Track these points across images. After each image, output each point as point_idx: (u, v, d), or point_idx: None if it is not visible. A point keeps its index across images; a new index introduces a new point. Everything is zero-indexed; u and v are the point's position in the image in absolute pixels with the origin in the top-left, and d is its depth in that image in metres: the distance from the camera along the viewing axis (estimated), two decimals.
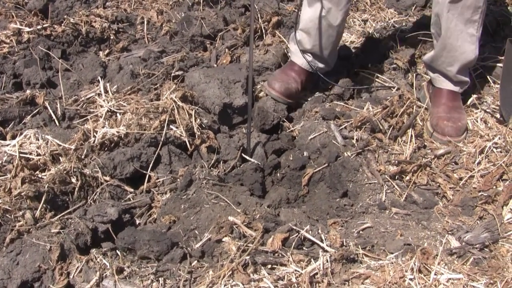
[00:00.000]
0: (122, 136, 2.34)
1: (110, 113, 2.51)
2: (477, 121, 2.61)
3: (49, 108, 2.56)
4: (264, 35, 3.22)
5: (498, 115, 2.60)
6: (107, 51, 3.25)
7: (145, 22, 3.49)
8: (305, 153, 2.41)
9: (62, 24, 3.32)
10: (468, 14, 2.38)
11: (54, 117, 2.54)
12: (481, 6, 2.38)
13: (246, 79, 2.60)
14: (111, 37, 3.33)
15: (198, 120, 2.39)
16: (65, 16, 3.39)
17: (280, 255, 1.84)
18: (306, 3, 2.68)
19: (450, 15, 2.39)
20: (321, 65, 2.81)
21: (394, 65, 2.93)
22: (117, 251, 1.89)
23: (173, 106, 2.38)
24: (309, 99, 2.78)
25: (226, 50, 3.07)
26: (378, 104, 2.57)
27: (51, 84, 2.91)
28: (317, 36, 2.69)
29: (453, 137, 2.44)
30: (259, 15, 3.32)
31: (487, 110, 2.68)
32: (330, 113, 2.52)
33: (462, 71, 2.54)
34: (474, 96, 2.76)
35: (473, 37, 2.45)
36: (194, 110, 2.44)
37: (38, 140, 2.28)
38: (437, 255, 1.86)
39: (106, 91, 2.66)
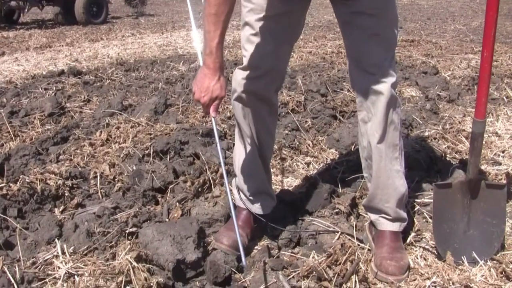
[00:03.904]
0: None
1: (68, 275, 2.60)
2: (417, 258, 2.77)
3: (7, 272, 2.62)
4: (212, 187, 3.40)
5: (436, 252, 2.77)
6: (62, 207, 3.36)
7: (98, 177, 3.63)
8: None
9: (18, 183, 3.43)
10: (390, 153, 2.64)
11: (13, 281, 2.59)
12: (398, 143, 2.66)
13: (197, 233, 2.73)
14: (66, 194, 3.45)
15: (153, 279, 2.49)
16: (21, 176, 3.52)
17: None
18: (239, 144, 2.91)
19: (378, 156, 2.64)
20: (270, 203, 3.01)
21: (337, 210, 3.10)
22: None
23: (128, 267, 2.48)
24: (258, 248, 2.91)
25: (177, 204, 3.22)
26: (323, 252, 2.73)
27: (8, 244, 2.99)
28: (259, 174, 2.92)
29: (397, 275, 2.59)
30: (206, 166, 3.50)
31: (426, 247, 2.85)
32: (278, 264, 2.66)
33: (399, 206, 2.75)
34: (413, 234, 2.94)
35: (399, 172, 2.71)
36: (148, 269, 2.55)
37: None
38: None
39: (63, 253, 2.76)
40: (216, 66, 2.44)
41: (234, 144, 2.97)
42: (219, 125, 4.52)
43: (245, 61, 2.70)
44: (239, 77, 2.71)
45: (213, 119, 2.62)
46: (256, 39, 2.66)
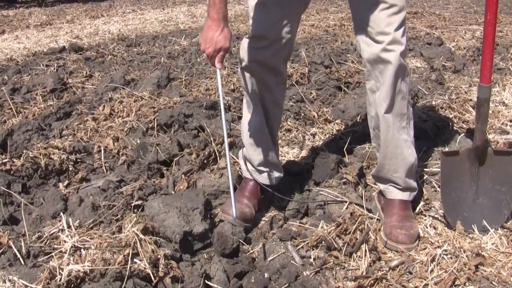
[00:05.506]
0: (88, 271, 2.39)
1: (74, 248, 2.57)
2: (427, 228, 2.74)
3: (13, 247, 2.60)
4: (218, 158, 3.36)
5: (445, 221, 2.74)
6: (66, 182, 3.33)
7: (102, 151, 3.60)
8: (266, 275, 2.49)
9: (21, 158, 3.40)
10: (397, 122, 2.60)
11: (19, 255, 2.58)
12: (405, 113, 2.61)
13: (203, 205, 2.71)
14: (70, 168, 3.42)
15: (161, 251, 2.46)
16: (24, 151, 3.48)
17: None
18: (247, 114, 2.88)
19: (385, 125, 2.60)
20: (277, 174, 2.97)
21: (344, 180, 3.07)
22: None
23: (135, 239, 2.46)
24: (265, 219, 2.89)
25: (182, 176, 3.19)
26: (332, 222, 2.70)
27: (13, 220, 2.96)
28: (266, 144, 2.88)
29: (407, 244, 2.57)
30: (212, 138, 3.46)
31: (435, 216, 2.82)
32: (286, 234, 2.63)
33: (408, 176, 2.71)
34: (422, 203, 2.91)
35: (407, 141, 2.67)
36: (155, 241, 2.53)
37: (5, 282, 2.32)
38: None
39: (69, 226, 2.73)
40: (220, 16, 2.40)
41: (239, 117, 2.93)
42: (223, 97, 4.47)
43: (252, 30, 2.66)
44: (246, 46, 2.67)
45: (217, 70, 2.58)
46: (263, 8, 2.62)
